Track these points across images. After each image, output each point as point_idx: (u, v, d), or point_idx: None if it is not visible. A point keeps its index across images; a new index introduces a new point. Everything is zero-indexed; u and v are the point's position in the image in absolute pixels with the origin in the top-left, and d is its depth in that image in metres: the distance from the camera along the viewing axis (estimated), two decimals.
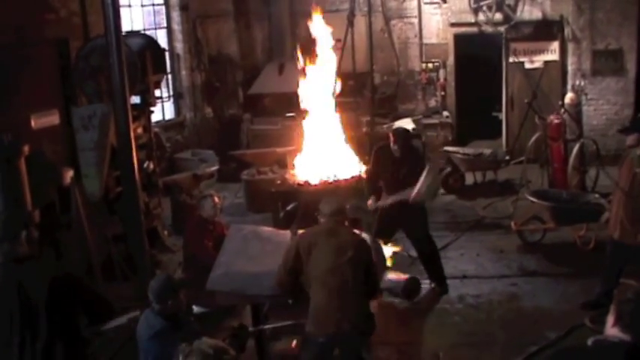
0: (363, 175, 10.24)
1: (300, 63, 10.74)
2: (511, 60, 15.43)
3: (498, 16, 15.22)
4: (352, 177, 10.57)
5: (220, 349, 4.26)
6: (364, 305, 6.29)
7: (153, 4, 14.95)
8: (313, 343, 6.14)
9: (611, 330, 3.72)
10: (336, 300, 6.07)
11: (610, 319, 3.74)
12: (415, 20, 16.17)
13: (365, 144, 13.53)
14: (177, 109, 15.55)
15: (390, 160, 8.96)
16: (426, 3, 15.99)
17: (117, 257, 9.70)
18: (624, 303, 3.71)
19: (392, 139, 8.91)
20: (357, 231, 8.11)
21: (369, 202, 9.14)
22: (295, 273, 6.35)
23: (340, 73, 10.94)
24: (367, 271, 6.32)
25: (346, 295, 6.11)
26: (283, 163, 12.44)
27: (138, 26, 14.05)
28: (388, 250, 8.69)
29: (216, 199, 8.68)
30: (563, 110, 12.73)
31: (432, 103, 16.42)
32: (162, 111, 14.81)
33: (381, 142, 9.61)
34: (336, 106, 10.75)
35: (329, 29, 10.87)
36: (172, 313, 5.10)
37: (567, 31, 14.77)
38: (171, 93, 15.05)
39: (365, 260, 6.34)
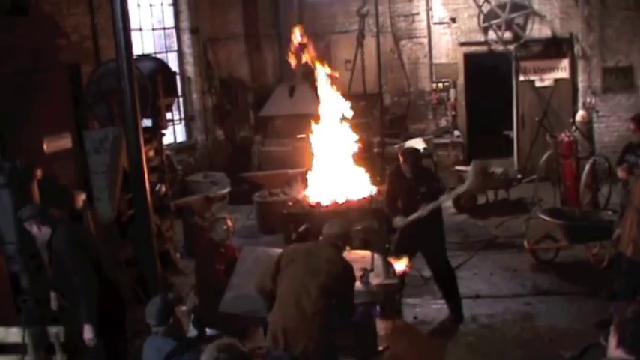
0: (375, 196, 10.24)
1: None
2: (521, 78, 15.43)
3: (508, 34, 15.24)
4: (364, 198, 10.58)
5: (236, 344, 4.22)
6: (322, 334, 5.89)
7: (164, 28, 15.06)
8: (270, 355, 5.98)
9: (615, 352, 3.71)
10: (291, 321, 5.85)
11: (612, 341, 3.74)
12: (425, 40, 16.23)
13: (376, 165, 13.54)
14: (189, 132, 15.61)
15: (404, 181, 8.84)
16: (435, 23, 16.06)
17: (129, 280, 9.70)
18: (625, 324, 3.71)
19: (401, 159, 8.83)
20: (367, 252, 8.13)
21: (396, 220, 8.98)
22: (275, 282, 6.22)
23: (350, 94, 10.96)
24: (340, 301, 6.07)
25: (302, 319, 5.84)
26: (295, 185, 12.45)
27: (149, 50, 14.14)
28: (400, 266, 8.66)
29: (229, 222, 8.68)
30: (574, 128, 12.72)
31: (443, 122, 16.43)
32: (174, 134, 14.87)
33: (395, 164, 9.55)
34: (347, 127, 10.77)
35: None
36: (177, 331, 5.08)
37: (577, 48, 14.77)
38: (183, 116, 15.10)
39: (337, 289, 6.03)
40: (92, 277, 6.70)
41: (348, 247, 6.64)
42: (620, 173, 9.05)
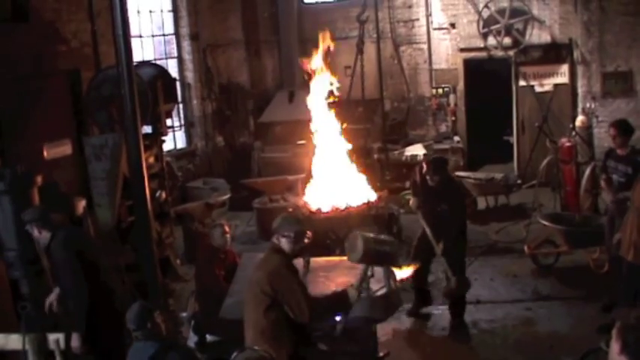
0: (375, 202, 10.25)
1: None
2: (521, 84, 15.45)
3: (507, 40, 15.26)
4: (364, 204, 10.59)
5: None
6: (277, 347, 5.50)
7: (163, 34, 15.08)
8: None
9: (619, 358, 3.64)
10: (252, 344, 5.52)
11: (615, 347, 3.67)
12: (424, 46, 16.26)
13: (376, 170, 13.57)
14: (189, 138, 15.62)
15: (427, 186, 8.62)
16: (435, 29, 16.08)
17: (129, 286, 9.69)
18: (628, 330, 3.65)
19: (425, 167, 8.57)
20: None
21: (411, 201, 8.90)
22: None
23: (350, 100, 10.98)
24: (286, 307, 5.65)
25: (257, 339, 5.62)
26: (294, 191, 12.46)
27: (149, 56, 14.18)
28: (404, 273, 8.63)
29: (227, 228, 8.67)
30: (574, 133, 12.72)
31: (443, 128, 16.44)
32: (174, 140, 14.88)
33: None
34: (346, 133, 10.79)
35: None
36: (156, 334, 5.11)
37: (576, 53, 14.78)
38: (183, 122, 15.12)
39: (273, 295, 5.60)
40: (83, 286, 6.72)
41: (305, 241, 5.92)
42: (603, 184, 9.11)
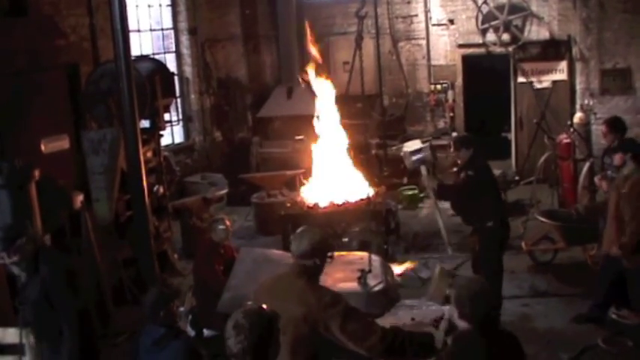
0: (373, 198, 10.24)
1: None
2: (520, 80, 15.45)
3: (506, 36, 15.24)
4: (361, 199, 10.57)
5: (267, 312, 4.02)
6: None
7: (162, 29, 15.06)
8: None
9: (460, 322, 4.42)
10: None
11: (454, 314, 4.44)
12: (423, 42, 16.24)
13: (374, 166, 13.56)
14: (187, 133, 15.61)
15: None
16: (433, 25, 16.07)
17: (127, 281, 9.70)
18: (461, 300, 4.40)
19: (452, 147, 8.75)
20: (364, 254, 8.08)
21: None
22: None
23: (349, 96, 10.99)
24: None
25: None
26: (293, 186, 12.46)
27: (147, 50, 14.15)
28: (398, 269, 8.65)
29: (228, 223, 8.68)
30: (572, 130, 12.71)
31: (441, 124, 16.43)
32: (172, 135, 14.87)
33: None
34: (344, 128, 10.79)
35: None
36: (168, 321, 5.13)
37: (575, 50, 14.77)
38: (181, 117, 15.10)
39: (315, 336, 4.65)
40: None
41: (331, 257, 5.18)
42: (597, 182, 9.21)
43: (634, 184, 7.95)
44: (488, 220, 8.50)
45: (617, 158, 8.23)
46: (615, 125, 9.31)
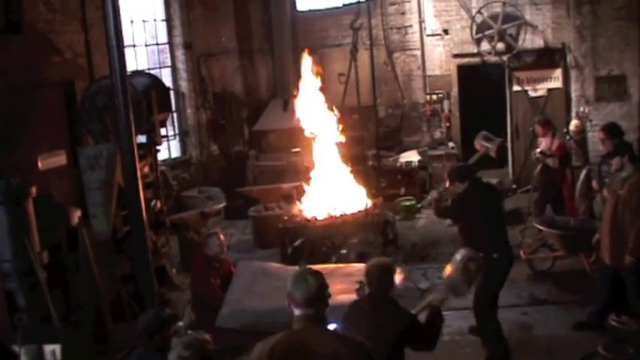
0: (370, 209, 10.23)
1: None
2: (515, 89, 15.48)
3: (500, 45, 15.27)
4: (359, 211, 10.58)
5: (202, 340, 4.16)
6: None
7: (157, 44, 15.10)
8: None
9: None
10: None
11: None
12: (418, 52, 16.27)
13: (371, 177, 13.56)
14: (183, 147, 15.62)
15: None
16: (428, 35, 16.10)
17: (125, 296, 9.67)
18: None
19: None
20: (362, 265, 8.06)
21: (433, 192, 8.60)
22: None
23: (344, 108, 11.01)
24: None
25: None
26: (290, 199, 12.46)
27: (142, 65, 14.19)
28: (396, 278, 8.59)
29: (222, 237, 8.67)
30: (568, 137, 12.73)
31: (437, 134, 16.44)
32: (169, 149, 14.88)
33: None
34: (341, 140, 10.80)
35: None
36: (162, 346, 5.07)
37: (569, 58, 14.81)
38: (177, 131, 15.08)
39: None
40: None
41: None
42: (595, 185, 9.24)
43: (633, 185, 7.95)
44: (494, 251, 7.80)
45: (615, 162, 8.25)
46: (612, 131, 9.33)
